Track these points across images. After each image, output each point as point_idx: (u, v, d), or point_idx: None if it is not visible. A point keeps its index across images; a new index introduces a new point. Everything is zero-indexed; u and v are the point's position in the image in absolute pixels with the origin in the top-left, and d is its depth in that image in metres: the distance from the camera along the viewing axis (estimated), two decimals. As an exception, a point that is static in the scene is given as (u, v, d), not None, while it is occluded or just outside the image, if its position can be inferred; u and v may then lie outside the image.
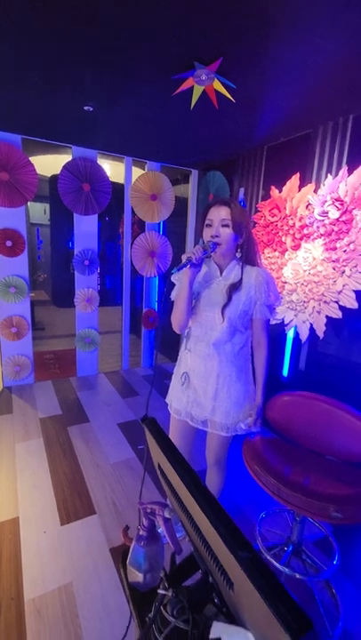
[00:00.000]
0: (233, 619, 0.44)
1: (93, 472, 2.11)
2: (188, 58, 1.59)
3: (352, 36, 1.40)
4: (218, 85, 1.73)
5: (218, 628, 0.37)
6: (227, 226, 1.25)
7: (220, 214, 1.25)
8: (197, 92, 1.77)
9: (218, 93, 1.79)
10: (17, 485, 1.96)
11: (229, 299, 1.28)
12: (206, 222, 1.29)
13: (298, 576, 1.32)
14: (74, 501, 1.86)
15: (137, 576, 0.59)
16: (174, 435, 1.49)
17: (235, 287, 1.29)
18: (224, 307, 1.28)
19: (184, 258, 1.20)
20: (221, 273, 1.34)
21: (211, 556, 0.43)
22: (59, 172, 3.01)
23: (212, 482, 1.57)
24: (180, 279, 1.32)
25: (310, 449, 1.43)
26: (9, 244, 2.96)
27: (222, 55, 1.56)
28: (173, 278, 1.37)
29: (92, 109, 2.26)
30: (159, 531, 0.64)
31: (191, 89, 1.78)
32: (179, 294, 1.31)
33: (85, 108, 2.25)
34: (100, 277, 7.58)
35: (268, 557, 1.33)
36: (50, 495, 1.90)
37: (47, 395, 3.16)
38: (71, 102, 2.17)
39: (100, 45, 1.55)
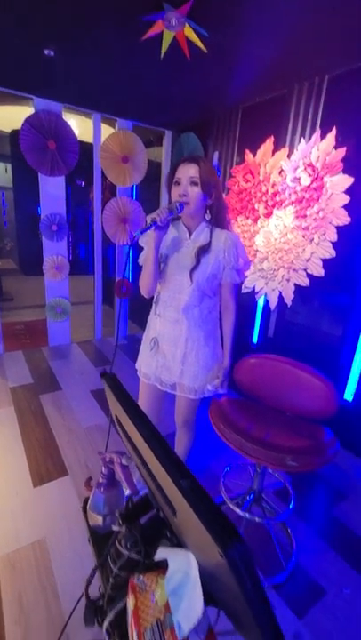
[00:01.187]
0: (180, 547, 0.47)
1: (66, 436, 2.14)
2: (156, -3, 1.47)
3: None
4: (189, 32, 1.61)
5: (162, 552, 0.40)
6: (195, 184, 1.21)
7: (188, 172, 1.21)
8: (168, 38, 1.65)
9: (189, 42, 1.68)
10: (-13, 452, 1.96)
11: (198, 262, 1.27)
12: (175, 180, 1.24)
13: (257, 519, 1.44)
14: (46, 464, 1.89)
15: (97, 519, 0.62)
16: (144, 399, 1.53)
17: (203, 250, 1.28)
18: (192, 270, 1.27)
19: (149, 219, 1.17)
20: (190, 235, 1.32)
21: (159, 492, 0.45)
22: (20, 126, 2.77)
23: (181, 443, 1.64)
24: (148, 242, 1.29)
25: (273, 407, 1.51)
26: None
27: (193, -4, 1.45)
28: (141, 241, 1.34)
29: (52, 54, 2.06)
30: (119, 482, 0.67)
31: (161, 35, 1.65)
32: (146, 258, 1.29)
33: (46, 52, 2.04)
34: (72, 246, 7.31)
35: (231, 506, 1.43)
36: (22, 459, 1.92)
37: (18, 364, 3.11)
38: (29, 45, 1.96)
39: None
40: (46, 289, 3.38)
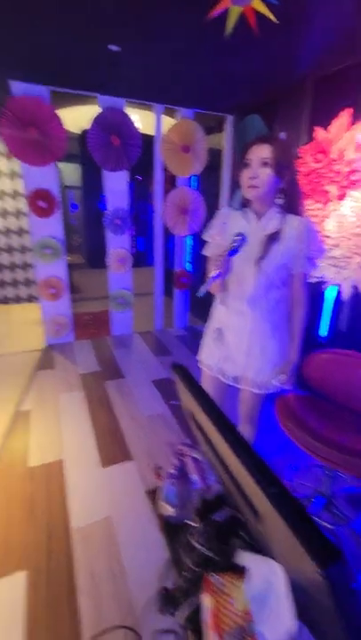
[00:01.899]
0: (258, 552, 0.45)
1: (129, 423, 2.24)
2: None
3: None
4: (258, 4, 1.51)
5: (243, 557, 0.38)
6: (267, 165, 1.13)
7: (261, 152, 1.13)
8: (234, 13, 1.56)
9: (258, 16, 1.56)
10: (61, 430, 2.14)
11: (267, 251, 1.20)
12: (245, 161, 1.18)
13: (327, 525, 1.35)
14: (113, 448, 2.00)
15: (168, 510, 0.62)
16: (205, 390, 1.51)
17: (273, 238, 1.21)
18: (260, 259, 1.21)
19: (212, 273, 1.13)
20: (259, 221, 1.25)
21: (240, 494, 0.43)
22: (89, 126, 2.89)
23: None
24: (212, 237, 1.26)
25: (346, 406, 1.39)
26: (42, 204, 2.98)
27: None
28: (205, 236, 1.31)
29: (118, 49, 2.09)
30: (190, 476, 0.66)
31: (226, 12, 1.56)
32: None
33: (110, 47, 2.08)
34: (133, 239, 7.58)
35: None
36: (92, 441, 2.05)
37: (86, 352, 3.33)
38: (95, 42, 2.02)
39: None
40: (110, 281, 3.54)
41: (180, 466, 0.62)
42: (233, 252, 1.13)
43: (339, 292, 2.36)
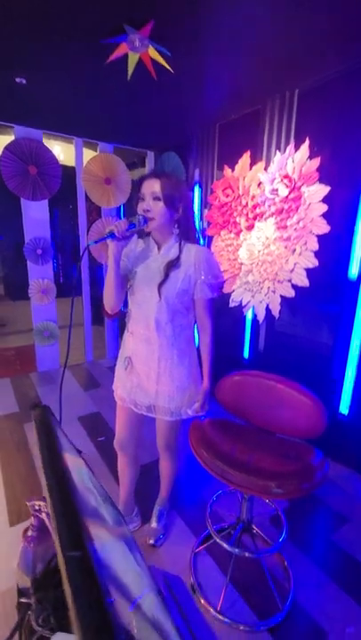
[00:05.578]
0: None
1: (49, 468, 2.02)
2: (117, 18, 1.48)
3: (282, 6, 1.35)
4: (153, 53, 1.63)
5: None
6: (158, 199, 1.18)
7: (151, 187, 1.18)
8: (133, 60, 1.66)
9: (155, 63, 1.69)
10: (-36, 489, 1.85)
11: (166, 276, 1.22)
12: (139, 195, 1.22)
13: (247, 554, 1.32)
14: (24, 501, 1.77)
15: (26, 581, 0.53)
16: (120, 422, 1.44)
17: (172, 264, 1.23)
18: (160, 284, 1.22)
19: (107, 230, 1.13)
20: (159, 250, 1.27)
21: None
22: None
23: (164, 468, 1.54)
24: (108, 255, 1.24)
25: (260, 427, 1.42)
26: None
27: (153, 18, 1.46)
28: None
29: (24, 82, 2.09)
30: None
31: (126, 57, 1.66)
32: (108, 272, 1.24)
33: (17, 80, 2.07)
34: (62, 268, 7.31)
35: (218, 540, 1.31)
36: (0, 496, 1.80)
37: (4, 392, 3.01)
38: (1, 74, 1.99)
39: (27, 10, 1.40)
40: (33, 313, 3.32)
41: (38, 525, 0.54)
42: (132, 225, 1.16)
43: (255, 315, 2.50)
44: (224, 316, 2.89)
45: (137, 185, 1.25)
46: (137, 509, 1.63)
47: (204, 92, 2.18)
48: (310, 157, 1.98)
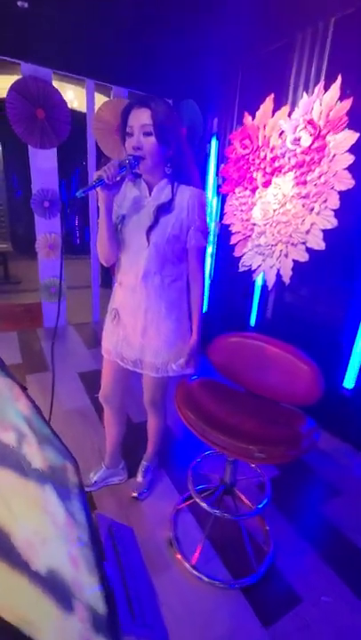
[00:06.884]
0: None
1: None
2: None
3: None
4: None
5: None
6: (149, 134, 1.02)
7: (140, 119, 1.02)
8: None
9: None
10: None
11: (156, 221, 1.10)
12: (127, 130, 1.06)
13: (226, 516, 1.29)
14: None
15: None
16: (105, 376, 1.39)
17: (163, 208, 1.11)
18: (149, 230, 1.10)
19: (95, 176, 1.00)
20: (150, 193, 1.14)
21: None
22: (6, 95, 2.62)
23: (151, 424, 1.51)
24: (99, 204, 1.12)
25: (252, 392, 1.34)
26: None
27: None
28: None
29: (26, 5, 1.89)
30: None
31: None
32: (100, 222, 1.13)
33: (19, 3, 1.87)
34: (77, 229, 7.15)
35: (198, 500, 1.29)
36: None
37: (10, 346, 3.05)
38: (-1, -7, 1.80)
39: None
40: (40, 269, 3.28)
41: None
42: (122, 168, 1.02)
43: (264, 281, 2.36)
44: (232, 281, 2.76)
45: (122, 117, 1.07)
46: (123, 463, 1.62)
47: (226, 25, 1.92)
48: (341, 99, 1.73)
